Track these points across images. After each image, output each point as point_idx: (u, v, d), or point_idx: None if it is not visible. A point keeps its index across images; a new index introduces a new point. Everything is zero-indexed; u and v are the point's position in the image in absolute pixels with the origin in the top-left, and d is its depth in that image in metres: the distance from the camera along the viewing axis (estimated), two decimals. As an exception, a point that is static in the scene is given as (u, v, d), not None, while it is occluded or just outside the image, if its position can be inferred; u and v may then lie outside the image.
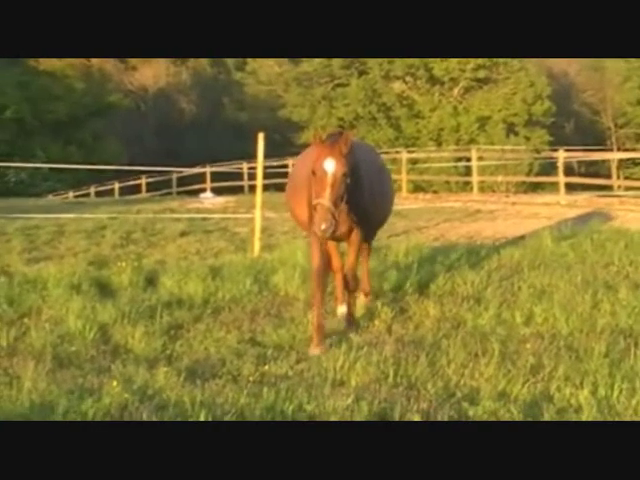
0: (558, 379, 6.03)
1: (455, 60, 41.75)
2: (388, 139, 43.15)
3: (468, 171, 32.44)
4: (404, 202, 23.03)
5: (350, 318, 7.80)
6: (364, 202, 7.31)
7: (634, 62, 46.18)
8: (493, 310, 8.20)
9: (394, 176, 33.15)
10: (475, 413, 5.34)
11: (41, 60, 45.60)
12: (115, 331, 7.76)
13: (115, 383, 6.00)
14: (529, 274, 10.19)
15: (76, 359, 6.97)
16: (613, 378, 5.99)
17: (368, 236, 8.38)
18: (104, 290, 9.67)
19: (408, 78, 46.75)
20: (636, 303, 8.48)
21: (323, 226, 6.30)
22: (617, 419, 5.26)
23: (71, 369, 6.62)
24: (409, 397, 5.76)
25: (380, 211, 8.17)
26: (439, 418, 5.27)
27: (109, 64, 59.59)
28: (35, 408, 5.40)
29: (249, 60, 54.41)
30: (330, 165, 6.49)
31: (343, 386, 6.03)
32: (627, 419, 5.30)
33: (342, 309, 7.98)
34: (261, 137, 12.93)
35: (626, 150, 49.23)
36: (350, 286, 7.74)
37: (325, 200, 6.41)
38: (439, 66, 43.59)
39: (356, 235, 7.53)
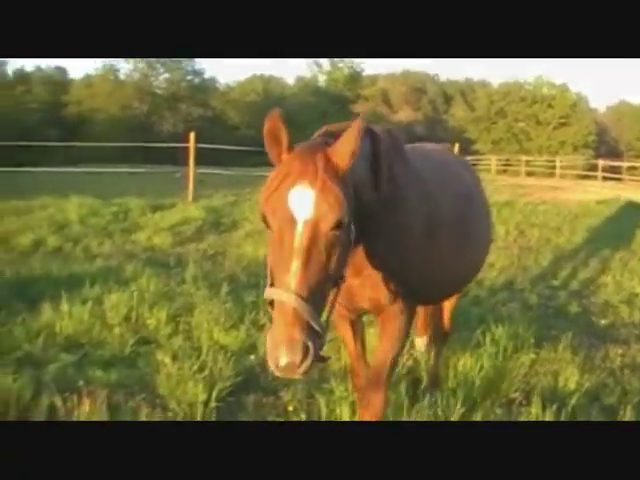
0: None
1: None
2: None
3: None
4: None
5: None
6: (411, 255, 3.45)
7: None
8: None
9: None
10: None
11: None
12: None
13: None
14: None
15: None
16: None
17: (425, 304, 4.74)
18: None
19: None
20: None
21: (283, 360, 2.36)
22: None
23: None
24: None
25: (458, 269, 4.13)
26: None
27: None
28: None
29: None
30: (299, 204, 2.52)
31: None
32: None
33: (420, 340, 5.10)
34: None
35: None
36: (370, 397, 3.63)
37: (287, 294, 2.42)
38: None
39: (397, 309, 3.51)
